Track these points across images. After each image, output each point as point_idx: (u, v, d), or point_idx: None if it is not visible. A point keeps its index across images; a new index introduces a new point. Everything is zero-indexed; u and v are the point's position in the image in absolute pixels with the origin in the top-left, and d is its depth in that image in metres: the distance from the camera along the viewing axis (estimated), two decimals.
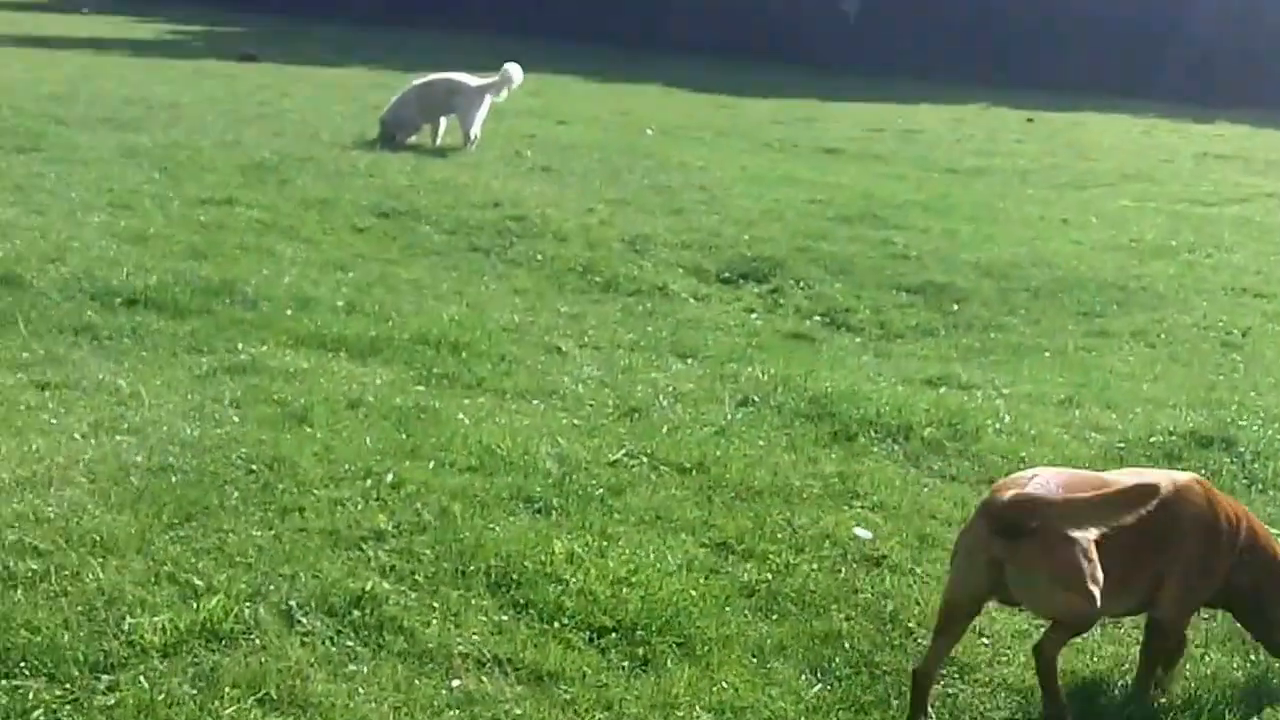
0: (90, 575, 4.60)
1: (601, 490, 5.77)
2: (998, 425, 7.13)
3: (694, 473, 6.07)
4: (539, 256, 10.71)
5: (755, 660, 4.63)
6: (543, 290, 9.73)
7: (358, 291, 8.88)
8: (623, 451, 6.26)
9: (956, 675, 4.61)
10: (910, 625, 4.91)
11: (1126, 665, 4.77)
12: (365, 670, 4.25)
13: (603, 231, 11.51)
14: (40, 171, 11.74)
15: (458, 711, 4.13)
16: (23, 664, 4.08)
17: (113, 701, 3.96)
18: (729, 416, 6.98)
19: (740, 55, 34.43)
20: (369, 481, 5.56)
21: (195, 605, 4.45)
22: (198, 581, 4.62)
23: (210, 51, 26.46)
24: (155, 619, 4.34)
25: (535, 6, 41.76)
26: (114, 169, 12.21)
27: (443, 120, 15.37)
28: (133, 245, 9.46)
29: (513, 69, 15.31)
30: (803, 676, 4.55)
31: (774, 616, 4.92)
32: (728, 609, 4.91)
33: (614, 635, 4.63)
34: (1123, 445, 6.97)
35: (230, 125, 14.88)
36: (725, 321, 9.49)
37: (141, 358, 7.17)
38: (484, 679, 4.28)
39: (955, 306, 10.28)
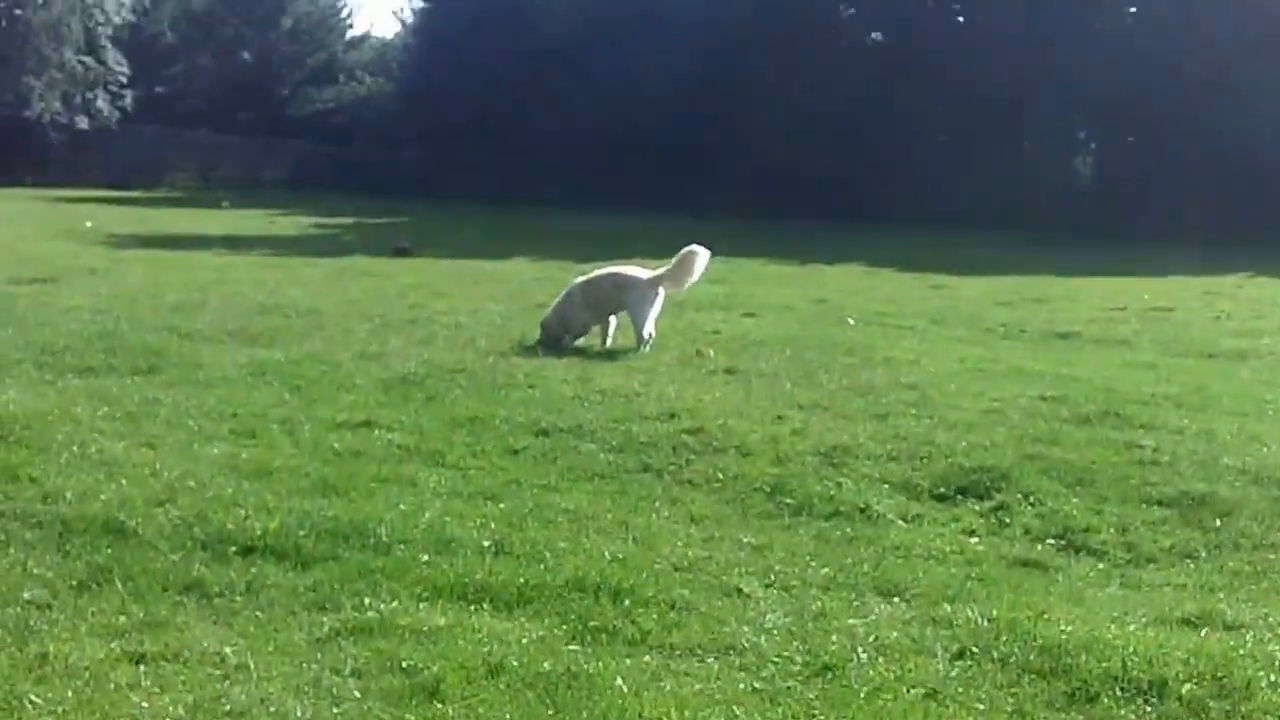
0: None
1: None
2: (1273, 678, 6.58)
3: None
4: (719, 476, 10.26)
5: None
6: (723, 516, 9.33)
7: (508, 527, 8.60)
8: None
9: None
10: None
11: None
12: None
13: (794, 443, 11.03)
14: (156, 397, 11.68)
15: None
16: None
17: None
18: (942, 673, 6.55)
19: (952, 225, 33.72)
20: None
21: None
22: None
23: (360, 246, 26.87)
24: None
25: (711, 180, 41.75)
26: (239, 390, 12.15)
27: (612, 319, 15.19)
28: (254, 480, 9.31)
29: (696, 255, 14.97)
30: None
31: None
32: None
33: None
34: None
35: (375, 333, 15.03)
36: (939, 548, 8.97)
37: (255, 618, 6.96)
38: None
39: (1218, 522, 9.61)
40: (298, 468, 9.75)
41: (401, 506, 8.89)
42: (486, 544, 8.22)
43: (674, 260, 15.08)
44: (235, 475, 9.40)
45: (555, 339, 14.77)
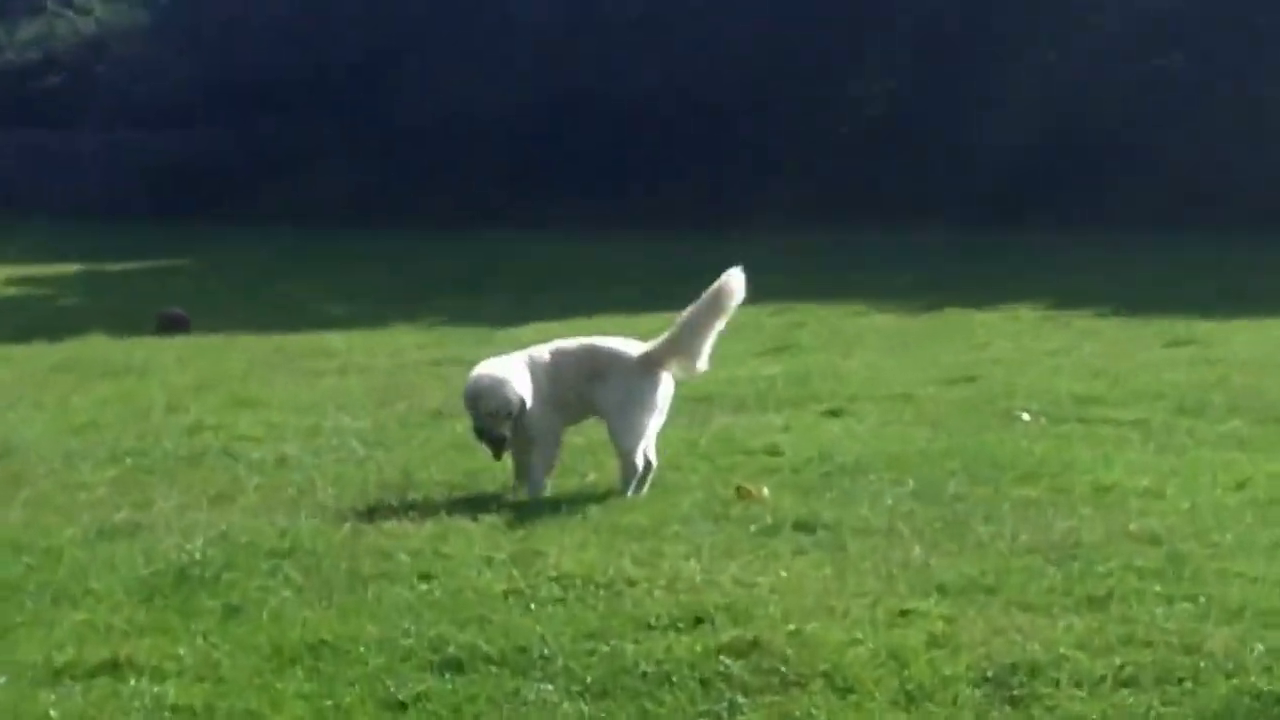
0: None
1: None
2: None
3: None
4: None
5: None
6: None
7: None
8: None
9: None
10: None
11: None
12: None
13: (936, 665, 7.09)
14: None
15: None
16: None
17: None
18: None
19: (1200, 227, 28.42)
20: None
21: None
22: None
23: (97, 318, 20.62)
24: None
25: (737, 177, 36.80)
26: None
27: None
28: None
29: (729, 290, 9.96)
30: None
31: None
32: None
33: None
34: None
35: (125, 486, 10.11)
36: None
37: None
38: None
39: None
40: None
41: None
42: None
43: (692, 314, 9.86)
44: None
45: (496, 443, 9.82)
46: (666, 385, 10.19)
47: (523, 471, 10.20)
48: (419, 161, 39.90)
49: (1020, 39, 37.21)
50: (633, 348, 10.24)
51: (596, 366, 10.23)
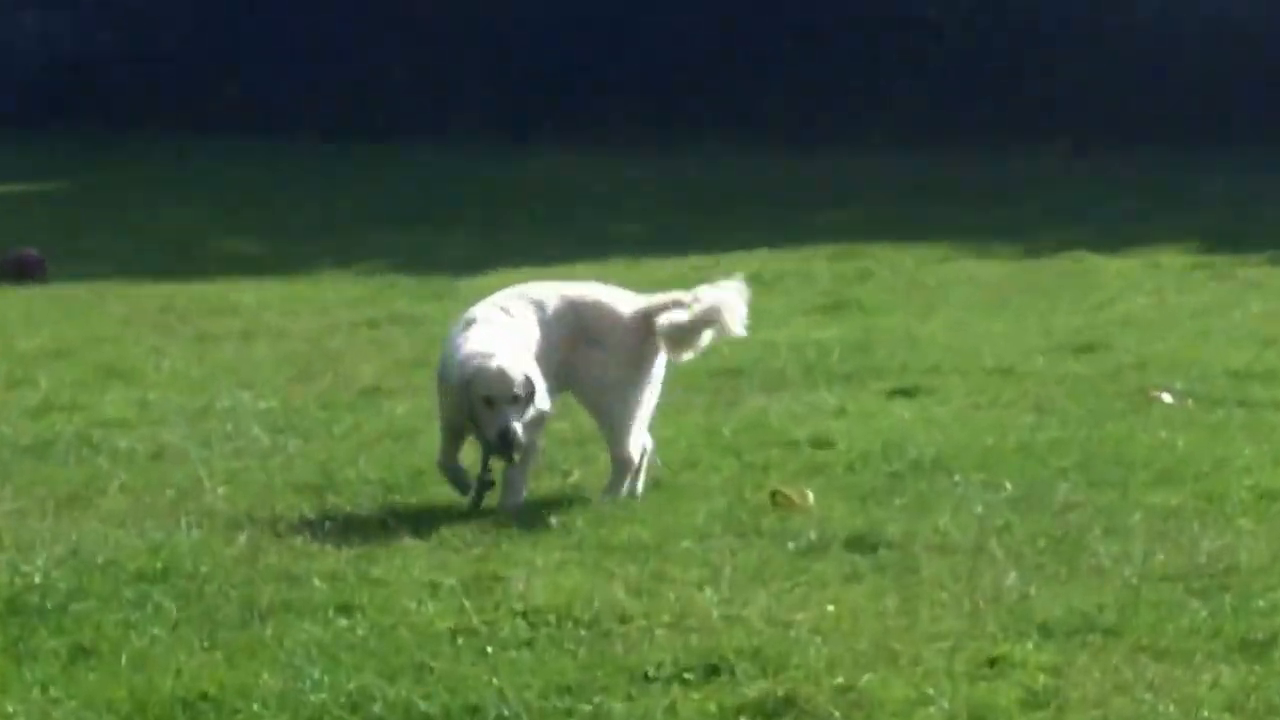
0: None
1: None
2: None
3: None
4: None
5: None
6: None
7: None
8: None
9: None
10: None
11: None
12: None
13: None
14: None
15: None
16: None
17: None
18: None
19: None
20: None
21: None
22: None
23: None
24: None
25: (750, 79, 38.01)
26: None
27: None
28: None
29: (724, 307, 10.98)
30: None
31: None
32: None
33: None
34: None
35: None
36: None
37: None
38: None
39: None
40: None
41: None
42: None
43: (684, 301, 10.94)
44: None
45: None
46: (657, 362, 10.77)
47: (488, 472, 10.44)
48: (360, 57, 40.55)
49: None
50: (623, 301, 10.29)
51: (583, 326, 10.25)
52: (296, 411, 13.48)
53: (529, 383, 10.35)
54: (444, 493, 10.86)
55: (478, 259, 22.30)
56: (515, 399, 10.38)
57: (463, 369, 10.37)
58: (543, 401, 10.58)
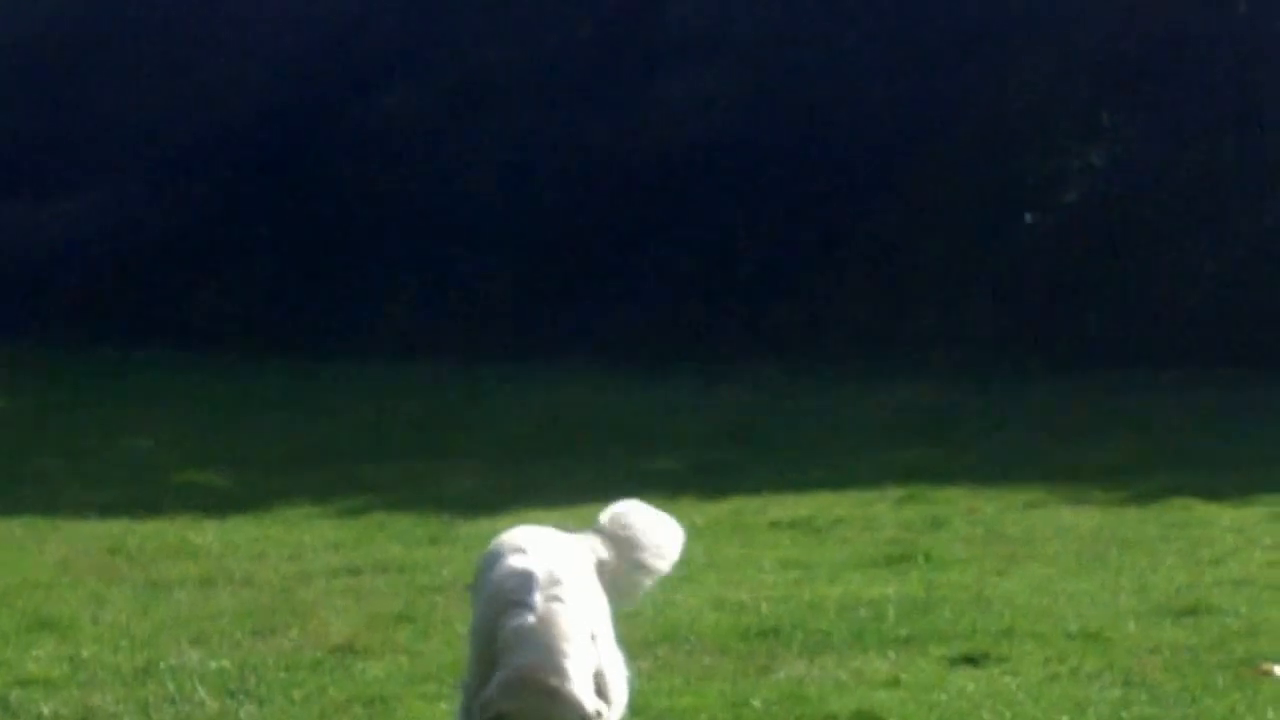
0: None
1: None
2: None
3: None
4: None
5: None
6: None
7: None
8: None
9: None
10: None
11: None
12: None
13: None
14: None
15: None
16: None
17: None
18: None
19: None
20: None
21: None
22: None
23: None
24: None
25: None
26: None
27: None
28: None
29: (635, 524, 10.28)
30: None
31: None
32: None
33: None
34: None
35: None
36: None
37: None
38: None
39: None
40: None
41: None
42: None
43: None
44: None
45: None
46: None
47: None
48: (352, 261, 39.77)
49: None
50: (578, 549, 9.63)
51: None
52: (253, 671, 12.81)
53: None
54: None
55: (483, 495, 21.74)
56: None
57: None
58: None
